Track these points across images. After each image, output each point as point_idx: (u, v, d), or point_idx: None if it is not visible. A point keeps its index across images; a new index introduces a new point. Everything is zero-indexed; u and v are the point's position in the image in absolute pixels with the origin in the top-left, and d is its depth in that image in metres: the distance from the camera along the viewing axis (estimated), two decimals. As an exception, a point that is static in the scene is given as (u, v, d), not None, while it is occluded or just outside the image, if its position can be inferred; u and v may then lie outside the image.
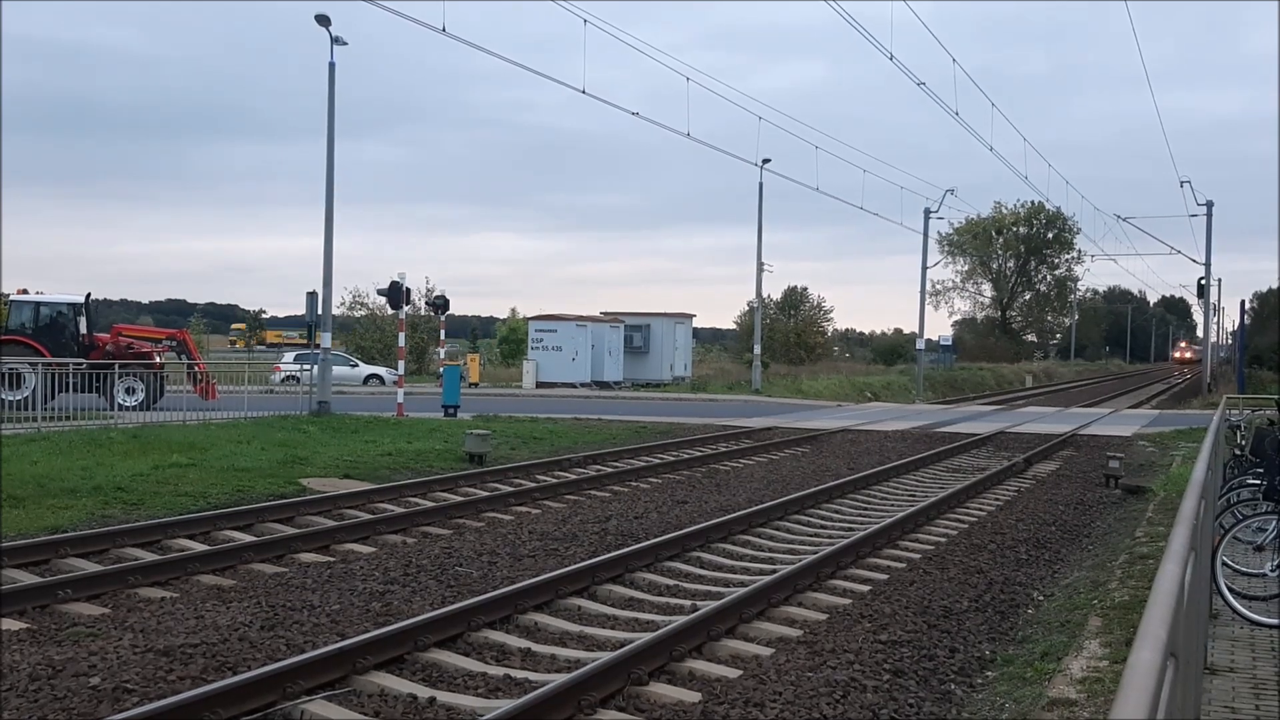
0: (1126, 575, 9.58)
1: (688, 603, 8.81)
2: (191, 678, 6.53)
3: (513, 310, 62.02)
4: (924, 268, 48.26)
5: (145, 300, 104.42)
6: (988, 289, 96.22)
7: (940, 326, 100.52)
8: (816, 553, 10.45)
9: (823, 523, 13.10)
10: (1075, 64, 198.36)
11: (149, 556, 10.13)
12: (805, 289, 67.92)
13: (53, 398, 21.24)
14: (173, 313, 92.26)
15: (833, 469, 18.62)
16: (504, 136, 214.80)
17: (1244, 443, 12.44)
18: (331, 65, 24.74)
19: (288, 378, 36.41)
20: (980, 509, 14.30)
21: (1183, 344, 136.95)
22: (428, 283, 50.62)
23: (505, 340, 58.68)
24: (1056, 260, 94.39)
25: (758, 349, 44.36)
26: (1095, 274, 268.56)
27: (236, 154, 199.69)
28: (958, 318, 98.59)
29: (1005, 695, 6.65)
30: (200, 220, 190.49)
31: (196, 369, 26.84)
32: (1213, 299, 52.60)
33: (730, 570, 10.31)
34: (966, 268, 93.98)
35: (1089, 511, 14.46)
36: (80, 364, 22.83)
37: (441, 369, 29.82)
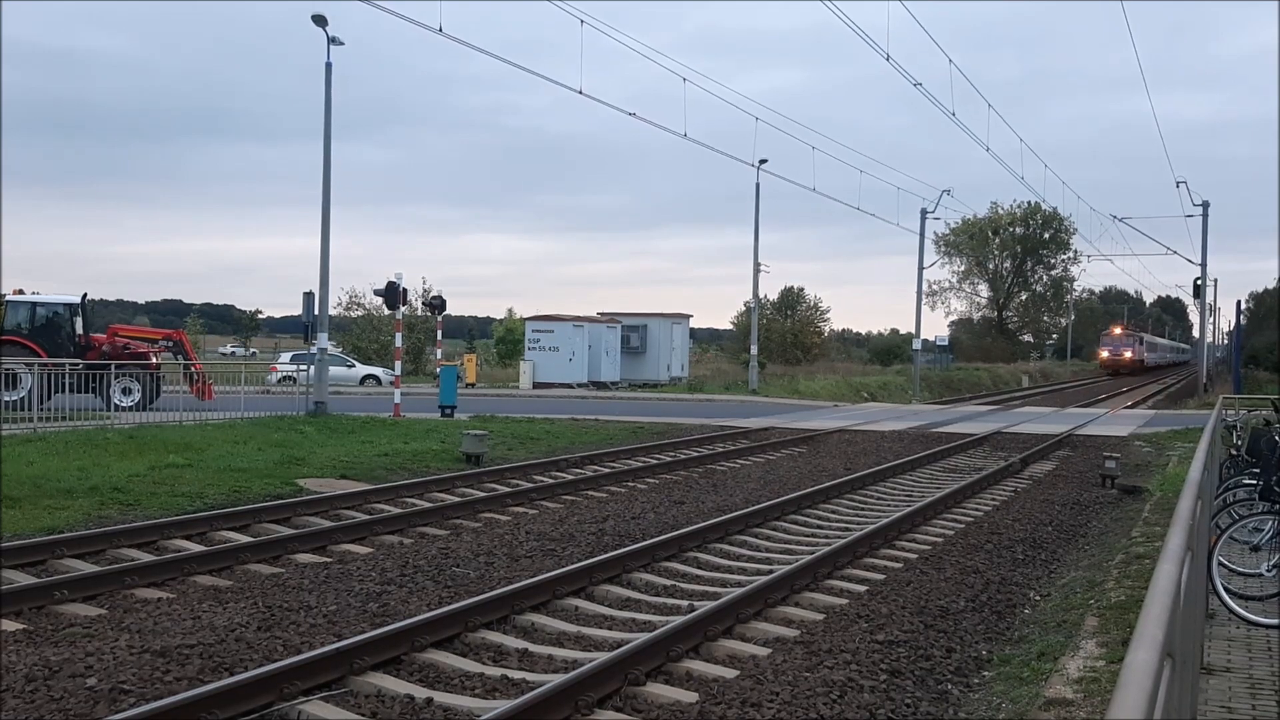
0: (1123, 575, 9.59)
1: (685, 603, 8.81)
2: (188, 678, 6.53)
3: (509, 311, 61.98)
4: (920, 268, 48.31)
5: (142, 300, 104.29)
6: (984, 289, 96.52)
7: (937, 327, 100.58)
8: (813, 553, 10.46)
9: (820, 523, 13.11)
10: (1065, 67, 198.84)
11: (146, 557, 10.13)
12: (802, 289, 68.10)
13: (49, 398, 21.20)
14: (169, 313, 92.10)
15: (829, 469, 18.63)
16: (499, 138, 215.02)
17: (1240, 443, 12.45)
18: (328, 65, 24.70)
19: (284, 378, 36.39)
20: (977, 509, 14.32)
21: (1117, 330, 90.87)
22: (424, 283, 50.76)
23: (502, 340, 58.64)
24: (1053, 260, 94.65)
25: (754, 349, 44.36)
26: (1091, 274, 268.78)
27: (232, 155, 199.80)
28: (954, 318, 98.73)
29: (1002, 695, 6.66)
30: (197, 221, 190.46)
31: (193, 369, 26.84)
32: (1209, 299, 52.56)
33: (727, 570, 10.31)
34: (963, 268, 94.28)
35: (1085, 512, 14.47)
36: (76, 364, 22.81)
37: (438, 369, 29.82)
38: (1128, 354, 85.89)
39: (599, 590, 9.19)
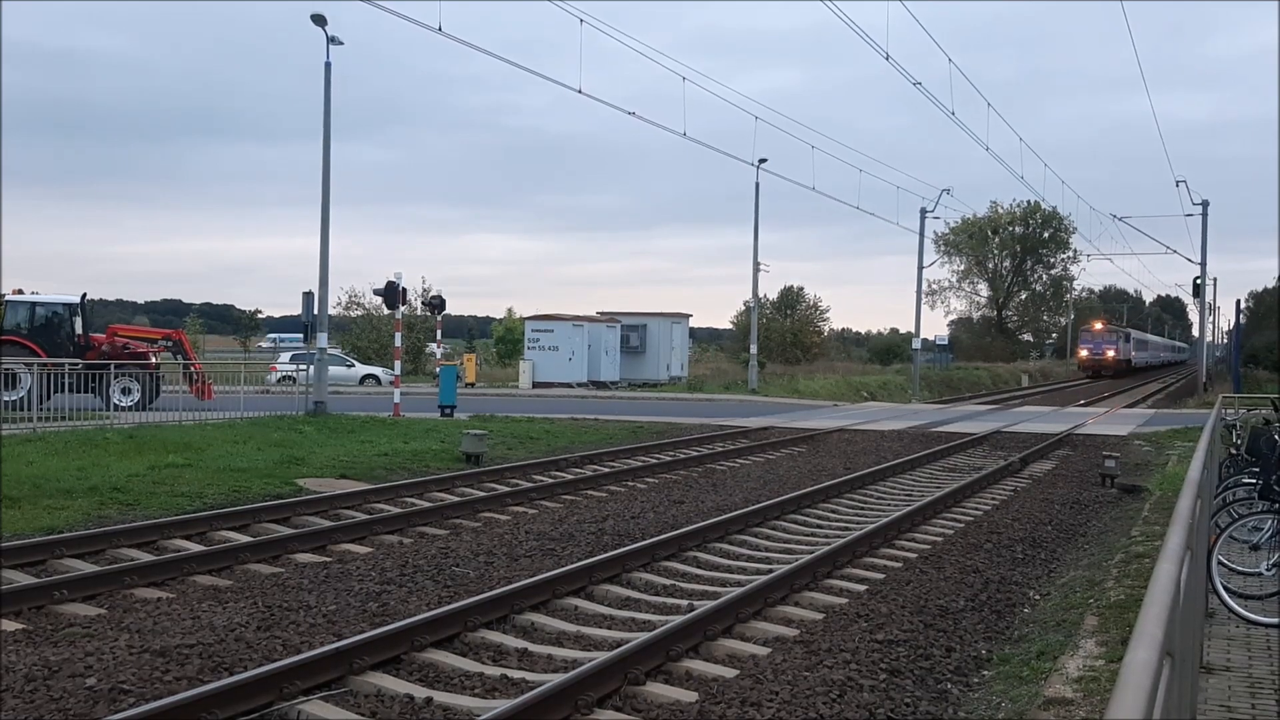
0: (1122, 574, 9.59)
1: (684, 602, 8.81)
2: (188, 678, 6.53)
3: (509, 310, 61.91)
4: (920, 267, 48.29)
5: (141, 300, 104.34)
6: (984, 288, 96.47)
7: (936, 326, 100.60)
8: (813, 552, 10.46)
9: (819, 522, 13.11)
10: (1065, 67, 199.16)
11: (145, 557, 10.12)
12: (802, 289, 67.98)
13: (48, 398, 21.21)
14: (168, 313, 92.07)
15: (829, 469, 18.62)
16: (499, 138, 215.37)
17: (1239, 442, 12.45)
18: (328, 65, 24.70)
19: (284, 378, 36.39)
20: (976, 508, 14.31)
21: (1098, 326, 79.41)
22: (424, 283, 50.70)
23: (502, 340, 58.62)
24: (1052, 260, 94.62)
25: (754, 349, 44.35)
26: (1091, 273, 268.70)
27: (232, 155, 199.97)
28: (954, 317, 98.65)
29: (1001, 694, 6.66)
30: (197, 221, 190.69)
31: (192, 369, 26.84)
32: (1208, 298, 52.56)
33: (727, 570, 10.31)
34: (963, 267, 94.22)
35: (1085, 511, 14.48)
36: (76, 364, 22.81)
37: (438, 369, 29.81)
38: (1110, 353, 75.68)
39: (599, 590, 9.19)
